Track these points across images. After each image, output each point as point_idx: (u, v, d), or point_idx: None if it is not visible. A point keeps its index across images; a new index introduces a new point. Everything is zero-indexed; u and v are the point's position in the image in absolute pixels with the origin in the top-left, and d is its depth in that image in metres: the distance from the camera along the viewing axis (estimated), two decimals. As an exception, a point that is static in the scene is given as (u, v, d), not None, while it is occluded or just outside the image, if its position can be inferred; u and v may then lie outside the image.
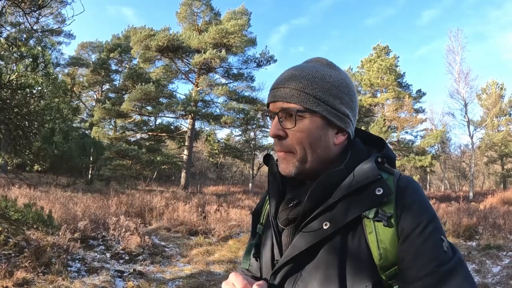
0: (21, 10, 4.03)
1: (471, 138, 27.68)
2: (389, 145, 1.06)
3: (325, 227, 0.88)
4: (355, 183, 0.90)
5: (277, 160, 1.07)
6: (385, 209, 0.86)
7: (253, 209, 1.24)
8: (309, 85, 0.93)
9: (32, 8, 4.07)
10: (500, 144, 30.16)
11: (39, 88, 4.10)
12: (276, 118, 0.95)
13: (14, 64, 4.07)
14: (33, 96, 4.20)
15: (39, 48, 3.73)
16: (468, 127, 27.59)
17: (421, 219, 0.85)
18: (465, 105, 27.20)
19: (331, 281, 0.86)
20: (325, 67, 0.99)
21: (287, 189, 1.03)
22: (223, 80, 25.58)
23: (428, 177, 37.48)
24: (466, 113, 27.33)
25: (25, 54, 3.80)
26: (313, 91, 0.93)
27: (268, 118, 1.04)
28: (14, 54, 3.91)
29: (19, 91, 3.92)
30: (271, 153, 1.17)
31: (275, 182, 1.05)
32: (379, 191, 0.87)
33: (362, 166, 0.93)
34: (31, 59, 3.73)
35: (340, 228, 0.87)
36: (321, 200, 0.92)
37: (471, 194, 25.34)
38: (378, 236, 0.85)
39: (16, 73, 3.73)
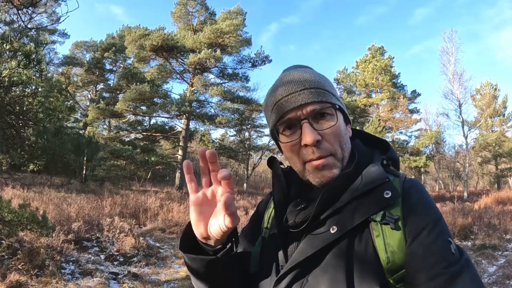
0: (13, 7, 3.96)
1: (465, 138, 27.90)
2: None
3: (332, 231, 0.87)
4: (363, 186, 0.89)
5: (281, 162, 1.08)
6: (392, 211, 0.85)
7: (258, 203, 1.22)
8: (324, 83, 0.95)
9: (25, 4, 4.00)
10: (494, 144, 30.37)
11: (33, 86, 4.03)
12: (307, 123, 0.90)
13: (6, 62, 4.00)
14: (27, 95, 4.13)
15: (32, 45, 3.66)
16: (463, 127, 27.83)
17: (428, 221, 0.84)
18: (459, 105, 27.43)
19: (338, 286, 0.83)
20: (312, 69, 1.02)
21: (293, 192, 1.01)
22: (218, 80, 25.52)
23: (423, 177, 37.62)
24: (460, 114, 27.57)
25: (17, 51, 3.73)
26: (329, 89, 0.95)
27: (282, 131, 0.96)
28: (7, 52, 3.84)
29: (12, 89, 3.85)
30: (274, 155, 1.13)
31: (280, 185, 1.03)
32: (388, 194, 0.86)
33: (369, 169, 0.92)
34: (23, 57, 3.66)
35: (347, 231, 0.86)
36: (329, 204, 0.91)
37: (465, 194, 25.50)
38: (386, 239, 0.83)
39: (8, 70, 3.66)
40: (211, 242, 0.90)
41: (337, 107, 0.93)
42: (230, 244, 0.90)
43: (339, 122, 0.92)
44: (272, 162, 1.10)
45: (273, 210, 1.04)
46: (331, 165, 0.91)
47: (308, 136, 0.89)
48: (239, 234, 1.17)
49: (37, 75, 3.84)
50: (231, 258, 0.90)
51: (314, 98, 0.90)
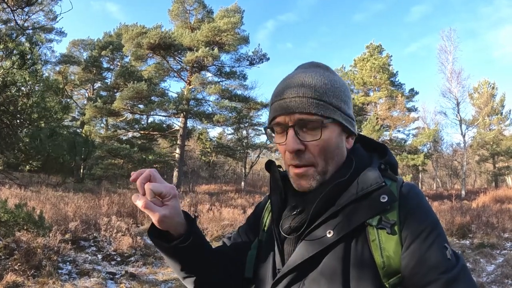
0: (7, 7, 3.91)
1: (463, 136, 27.92)
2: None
3: (328, 235, 0.87)
4: (359, 191, 0.89)
5: (279, 166, 1.08)
6: (388, 216, 0.86)
7: (256, 205, 1.24)
8: (324, 92, 0.91)
9: (21, 5, 3.95)
10: (491, 143, 30.45)
11: (28, 87, 3.99)
12: (292, 131, 0.90)
13: (0, 62, 3.95)
14: (21, 94, 4.09)
15: (27, 45, 3.62)
16: (460, 126, 27.83)
17: (424, 226, 0.84)
18: (457, 104, 27.42)
19: None
20: (327, 72, 0.97)
21: (290, 197, 1.01)
22: (216, 79, 25.52)
23: (420, 176, 37.66)
24: (458, 112, 27.56)
25: (12, 51, 3.68)
26: (329, 99, 0.91)
27: (272, 132, 0.99)
28: (1, 51, 3.79)
29: (6, 89, 3.81)
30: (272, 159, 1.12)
31: (277, 189, 1.04)
32: (384, 199, 0.86)
33: (366, 173, 0.92)
34: (18, 57, 3.62)
35: (344, 235, 0.87)
36: (325, 208, 0.91)
37: (463, 192, 25.52)
38: (382, 243, 0.84)
39: (2, 70, 3.62)
40: (173, 233, 0.96)
41: (330, 121, 0.90)
42: (181, 238, 0.95)
43: (326, 137, 0.90)
44: (270, 166, 1.10)
45: (270, 214, 1.05)
46: (310, 176, 0.92)
47: (289, 144, 0.90)
48: (235, 232, 1.21)
49: (32, 76, 3.80)
50: (187, 249, 0.95)
51: (303, 108, 0.89)
